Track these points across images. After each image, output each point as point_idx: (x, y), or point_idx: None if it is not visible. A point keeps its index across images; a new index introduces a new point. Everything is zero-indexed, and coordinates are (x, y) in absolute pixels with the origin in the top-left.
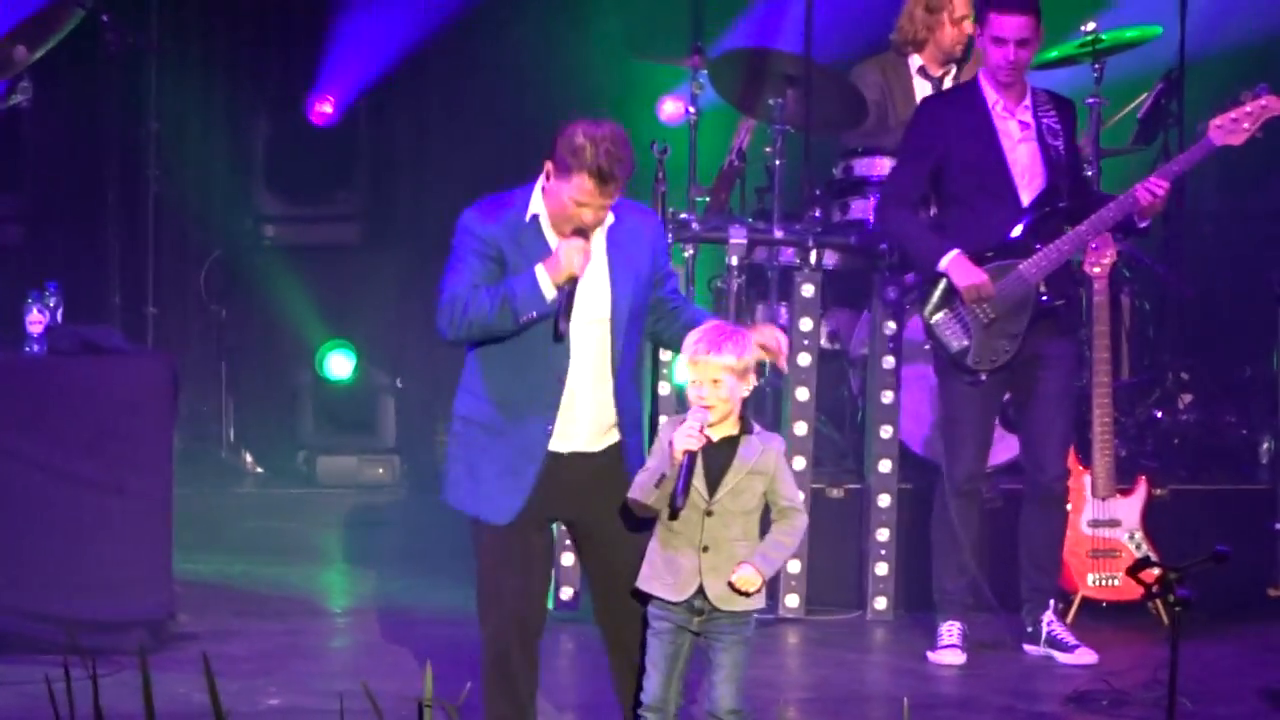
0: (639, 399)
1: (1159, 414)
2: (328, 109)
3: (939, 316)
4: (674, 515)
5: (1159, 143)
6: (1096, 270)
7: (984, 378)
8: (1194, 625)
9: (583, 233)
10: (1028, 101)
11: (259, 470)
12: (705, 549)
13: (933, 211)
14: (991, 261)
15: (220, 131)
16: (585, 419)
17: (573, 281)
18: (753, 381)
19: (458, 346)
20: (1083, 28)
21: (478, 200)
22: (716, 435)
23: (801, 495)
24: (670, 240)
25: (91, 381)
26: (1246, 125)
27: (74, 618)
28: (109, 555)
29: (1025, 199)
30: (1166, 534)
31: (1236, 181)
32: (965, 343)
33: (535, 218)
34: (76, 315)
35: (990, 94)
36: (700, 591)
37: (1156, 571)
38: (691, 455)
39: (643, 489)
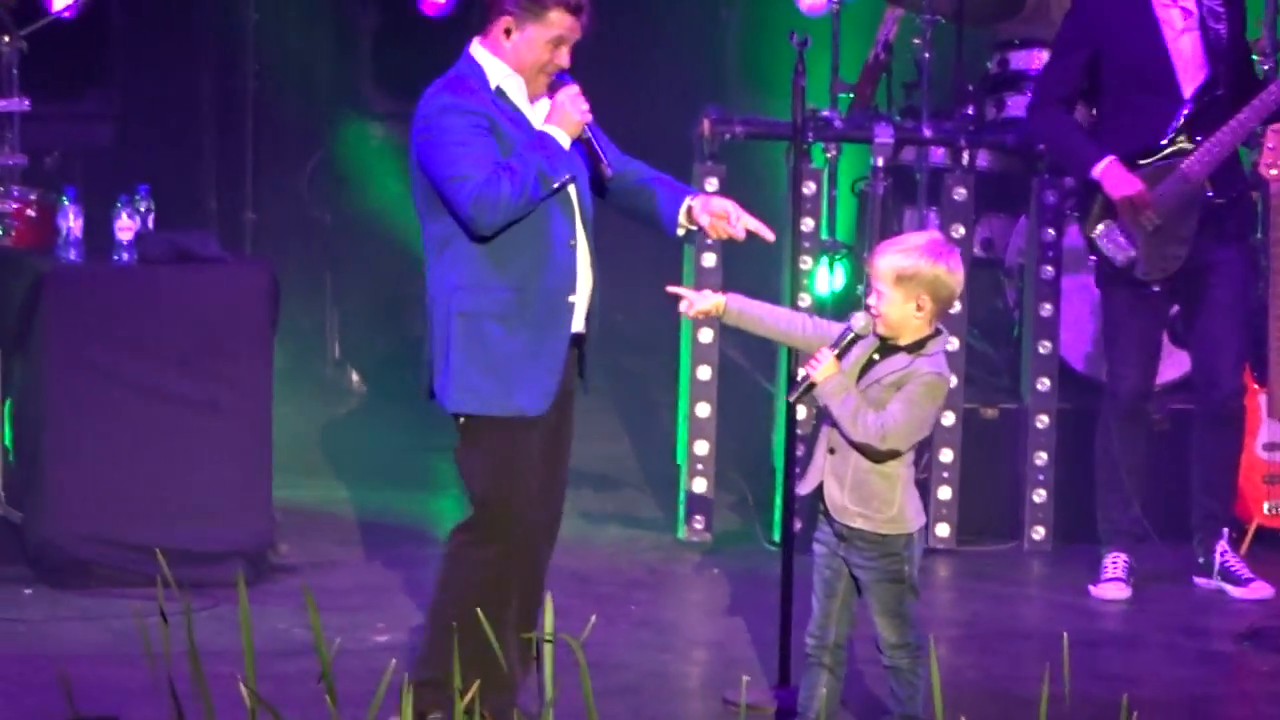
0: None
1: None
2: None
3: (1100, 228)
4: (790, 402)
5: None
6: (1274, 172)
7: (1156, 289)
8: None
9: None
10: None
11: (365, 389)
12: (832, 450)
13: (1093, 111)
14: (1150, 163)
15: (324, 21)
16: (584, 289)
17: (587, 129)
18: (924, 303)
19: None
20: None
21: (429, 89)
22: (880, 339)
23: (894, 429)
24: (811, 139)
25: (185, 292)
26: None
27: (166, 547)
28: (204, 480)
29: (1187, 92)
30: None
31: None
32: (1131, 253)
33: (500, 89)
34: (169, 221)
35: None
36: (820, 494)
37: None
38: (805, 381)
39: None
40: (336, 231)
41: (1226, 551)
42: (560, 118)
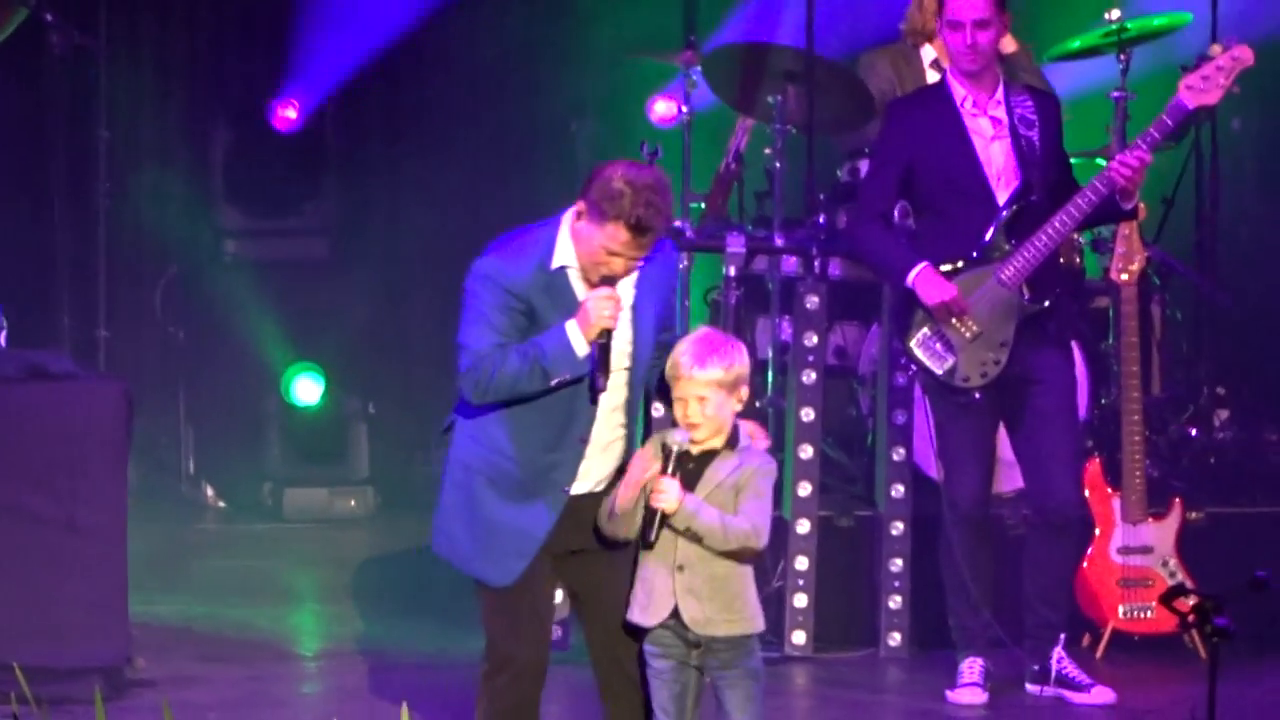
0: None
1: (1193, 432)
2: (292, 114)
3: (918, 335)
4: (648, 546)
5: (1190, 139)
6: (1124, 277)
7: (978, 395)
8: (1233, 658)
9: (610, 281)
10: (999, 95)
11: (221, 504)
12: (680, 568)
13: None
14: (965, 271)
15: (176, 139)
16: (599, 466)
17: (606, 335)
18: (743, 394)
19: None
20: (1106, 15)
21: (495, 241)
22: (698, 449)
23: (762, 525)
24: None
25: (38, 410)
26: (1221, 81)
27: (22, 664)
28: (59, 597)
29: (1002, 200)
30: (1202, 561)
31: (1277, 181)
32: (950, 360)
33: (563, 269)
34: (21, 339)
35: (959, 90)
36: (676, 615)
37: (1192, 600)
38: (656, 515)
39: (604, 516)
40: (190, 348)
41: (1064, 658)
42: (583, 317)
